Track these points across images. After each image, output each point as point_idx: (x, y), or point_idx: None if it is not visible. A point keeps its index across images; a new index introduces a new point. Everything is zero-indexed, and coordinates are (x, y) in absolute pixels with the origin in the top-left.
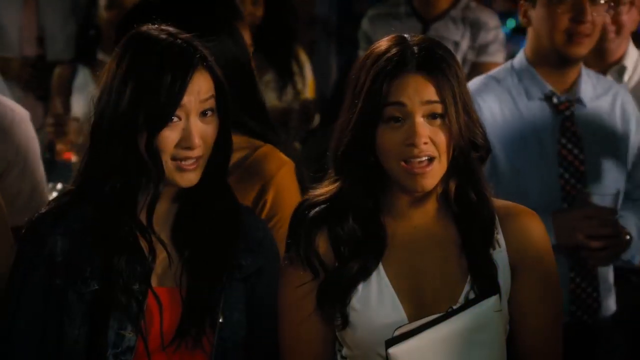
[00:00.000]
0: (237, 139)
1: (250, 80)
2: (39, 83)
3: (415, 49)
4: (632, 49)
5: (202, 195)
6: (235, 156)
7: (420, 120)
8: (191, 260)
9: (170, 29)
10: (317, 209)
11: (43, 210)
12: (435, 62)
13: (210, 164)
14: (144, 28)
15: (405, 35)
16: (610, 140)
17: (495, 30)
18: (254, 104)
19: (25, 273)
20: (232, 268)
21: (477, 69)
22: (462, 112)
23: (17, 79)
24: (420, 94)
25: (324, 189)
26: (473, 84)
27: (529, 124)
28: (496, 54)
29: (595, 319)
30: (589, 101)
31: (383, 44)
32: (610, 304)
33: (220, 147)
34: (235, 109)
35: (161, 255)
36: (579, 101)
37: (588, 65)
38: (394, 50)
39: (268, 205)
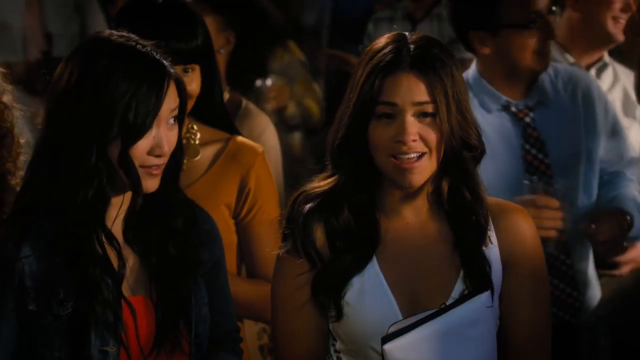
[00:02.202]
0: (206, 132)
1: (215, 72)
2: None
3: (411, 47)
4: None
5: (160, 200)
6: (210, 150)
7: (410, 118)
8: (158, 266)
9: (132, 35)
10: (313, 201)
11: (3, 229)
12: (429, 61)
13: (165, 169)
14: (106, 34)
15: (406, 33)
16: (575, 136)
17: None
18: (217, 97)
19: None
20: (196, 266)
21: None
22: (454, 111)
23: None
24: (412, 94)
25: (321, 182)
26: None
27: (491, 135)
28: None
29: (579, 318)
30: (549, 101)
31: (382, 40)
32: (593, 300)
33: (174, 152)
34: (203, 102)
35: (129, 264)
36: (539, 103)
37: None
38: (389, 48)
39: (251, 193)
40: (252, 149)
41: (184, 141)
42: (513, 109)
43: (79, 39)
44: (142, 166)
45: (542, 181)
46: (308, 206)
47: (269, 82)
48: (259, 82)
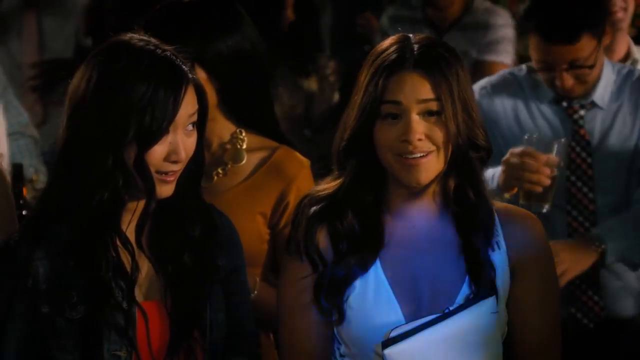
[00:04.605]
0: (254, 139)
1: (265, 76)
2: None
3: (415, 47)
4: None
5: (177, 206)
6: (255, 157)
7: (415, 117)
8: (174, 273)
9: (152, 39)
10: (318, 203)
11: (17, 233)
12: (433, 60)
13: (183, 175)
14: (127, 37)
15: (410, 35)
16: (624, 144)
17: (499, 29)
18: (268, 101)
19: (8, 305)
20: (212, 272)
21: (478, 67)
22: (460, 111)
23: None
24: (417, 92)
25: (327, 185)
26: (495, 77)
27: (540, 125)
28: (500, 53)
29: (597, 323)
30: (606, 104)
31: (387, 42)
32: (622, 309)
33: (195, 158)
34: (252, 107)
35: (144, 269)
36: (594, 104)
37: None
38: (393, 48)
39: (290, 207)
40: (298, 161)
41: (229, 146)
42: (564, 104)
43: (74, 39)
44: (158, 172)
45: (582, 181)
46: (312, 209)
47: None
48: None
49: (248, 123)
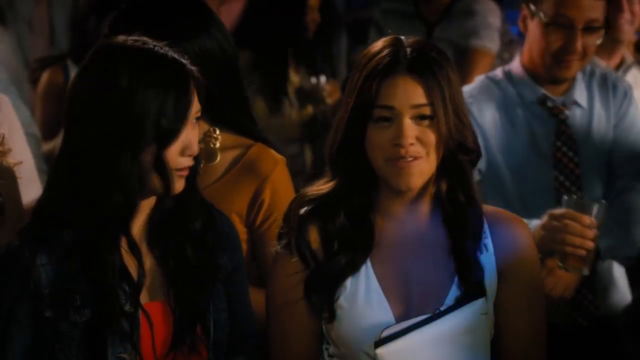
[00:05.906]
0: (228, 138)
1: (237, 76)
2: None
3: (408, 50)
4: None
5: (180, 202)
6: (229, 155)
7: (408, 121)
8: (176, 270)
9: (145, 38)
10: (311, 203)
11: (19, 239)
12: (427, 64)
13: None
14: (120, 40)
15: (402, 37)
16: (603, 141)
17: (483, 14)
18: (242, 101)
19: (11, 308)
20: (214, 271)
21: (462, 53)
22: (452, 114)
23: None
24: (410, 97)
25: (320, 186)
26: (473, 85)
27: (525, 127)
28: (483, 38)
29: (591, 321)
30: (587, 103)
31: (379, 44)
32: (613, 306)
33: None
34: (224, 107)
35: (149, 270)
36: (576, 103)
37: None
38: (386, 51)
39: (265, 205)
40: (272, 158)
41: (202, 145)
42: (549, 103)
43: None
44: (175, 169)
45: (570, 181)
46: (305, 208)
47: (323, 79)
48: (313, 80)
49: (222, 122)
